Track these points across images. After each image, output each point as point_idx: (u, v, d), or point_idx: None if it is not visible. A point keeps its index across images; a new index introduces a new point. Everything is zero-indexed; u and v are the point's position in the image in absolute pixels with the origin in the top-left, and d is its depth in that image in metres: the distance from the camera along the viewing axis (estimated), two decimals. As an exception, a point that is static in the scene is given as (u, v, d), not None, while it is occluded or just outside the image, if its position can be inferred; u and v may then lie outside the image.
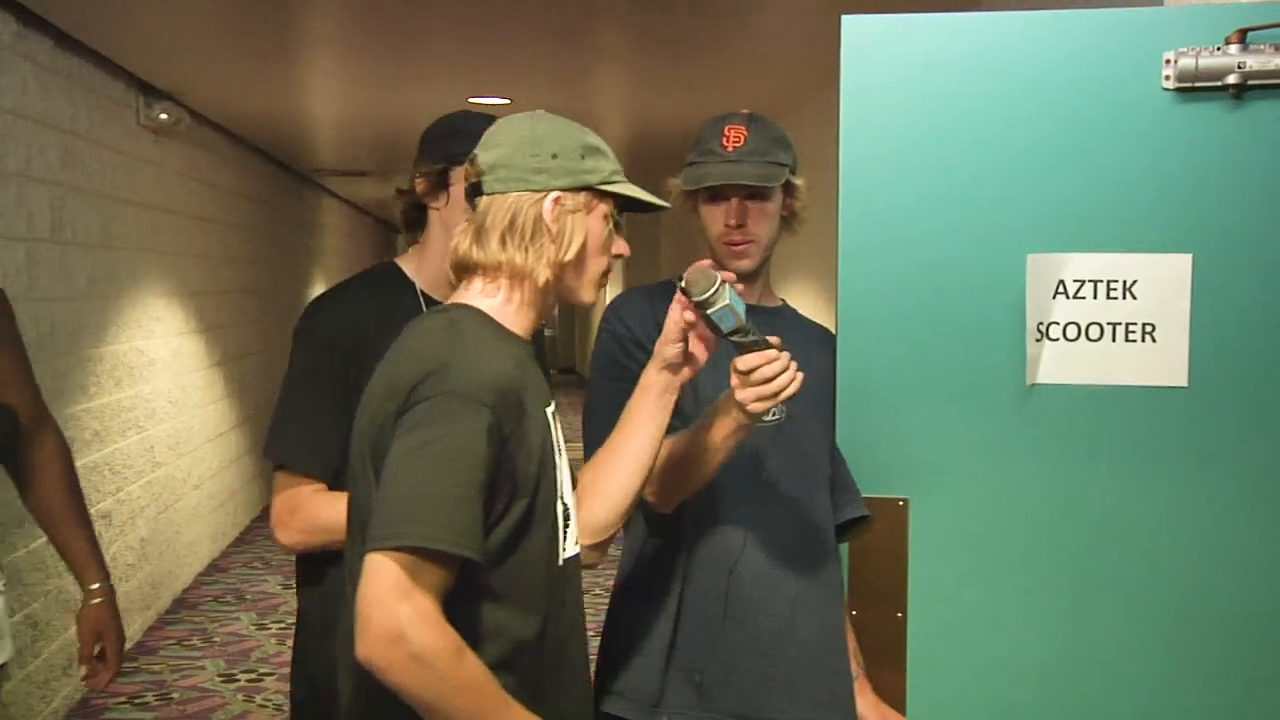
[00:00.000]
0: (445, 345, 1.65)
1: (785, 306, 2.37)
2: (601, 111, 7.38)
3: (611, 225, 1.79)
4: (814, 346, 2.33)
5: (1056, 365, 2.27)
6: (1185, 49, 2.20)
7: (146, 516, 6.33)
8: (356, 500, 1.71)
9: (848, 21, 2.27)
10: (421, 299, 2.30)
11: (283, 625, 6.39)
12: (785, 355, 1.88)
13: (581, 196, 1.74)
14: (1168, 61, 2.21)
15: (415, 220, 2.34)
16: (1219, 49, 2.20)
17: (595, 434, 2.11)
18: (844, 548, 2.31)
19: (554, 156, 1.74)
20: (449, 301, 1.78)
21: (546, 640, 1.70)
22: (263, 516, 9.02)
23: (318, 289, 12.17)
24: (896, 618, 2.32)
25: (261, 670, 5.63)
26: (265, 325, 9.44)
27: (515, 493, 1.65)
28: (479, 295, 1.75)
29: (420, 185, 2.28)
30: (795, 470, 2.19)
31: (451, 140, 2.28)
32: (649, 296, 2.29)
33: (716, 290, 1.83)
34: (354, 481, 1.71)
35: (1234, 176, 2.22)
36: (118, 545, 5.89)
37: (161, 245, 6.69)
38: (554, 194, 1.73)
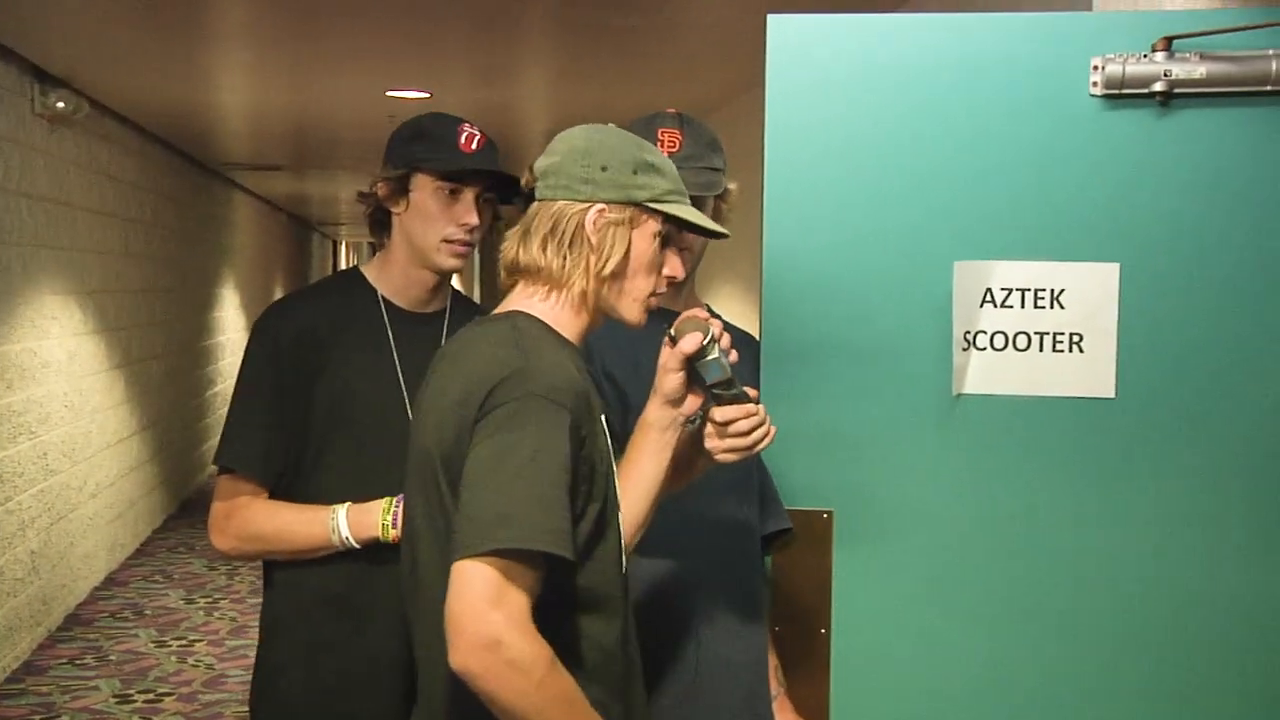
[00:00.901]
0: (516, 350, 1.70)
1: (708, 310, 2.38)
2: (523, 106, 7.38)
3: (658, 244, 1.81)
4: (741, 351, 2.33)
5: (984, 375, 2.30)
6: (1113, 55, 2.24)
7: (38, 527, 6.21)
8: (414, 519, 1.74)
9: (773, 21, 2.28)
10: (383, 306, 2.32)
11: (184, 642, 6.31)
12: (762, 409, 1.91)
13: (627, 211, 1.78)
14: (1095, 68, 2.25)
15: (380, 225, 2.35)
16: (1146, 56, 2.24)
17: None
18: (766, 561, 2.32)
19: (603, 169, 1.78)
20: (503, 308, 1.82)
21: (625, 649, 1.76)
22: (165, 527, 8.90)
23: (228, 289, 12.03)
24: (820, 634, 2.33)
25: (160, 690, 5.54)
26: (170, 326, 9.31)
27: (591, 495, 1.70)
28: (532, 300, 1.80)
29: (382, 189, 2.30)
30: (723, 482, 2.19)
31: (416, 144, 2.29)
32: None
33: (707, 342, 1.86)
34: (411, 499, 1.76)
35: (1161, 185, 2.26)
36: (6, 558, 5.78)
37: (58, 240, 6.58)
38: (598, 206, 1.78)
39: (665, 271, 1.84)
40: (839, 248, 2.31)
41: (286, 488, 2.26)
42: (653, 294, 1.84)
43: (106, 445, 7.49)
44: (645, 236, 1.80)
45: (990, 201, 2.29)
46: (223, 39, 5.60)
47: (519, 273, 1.82)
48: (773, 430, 1.91)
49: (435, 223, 2.26)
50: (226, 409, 2.31)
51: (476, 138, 2.29)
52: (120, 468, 7.81)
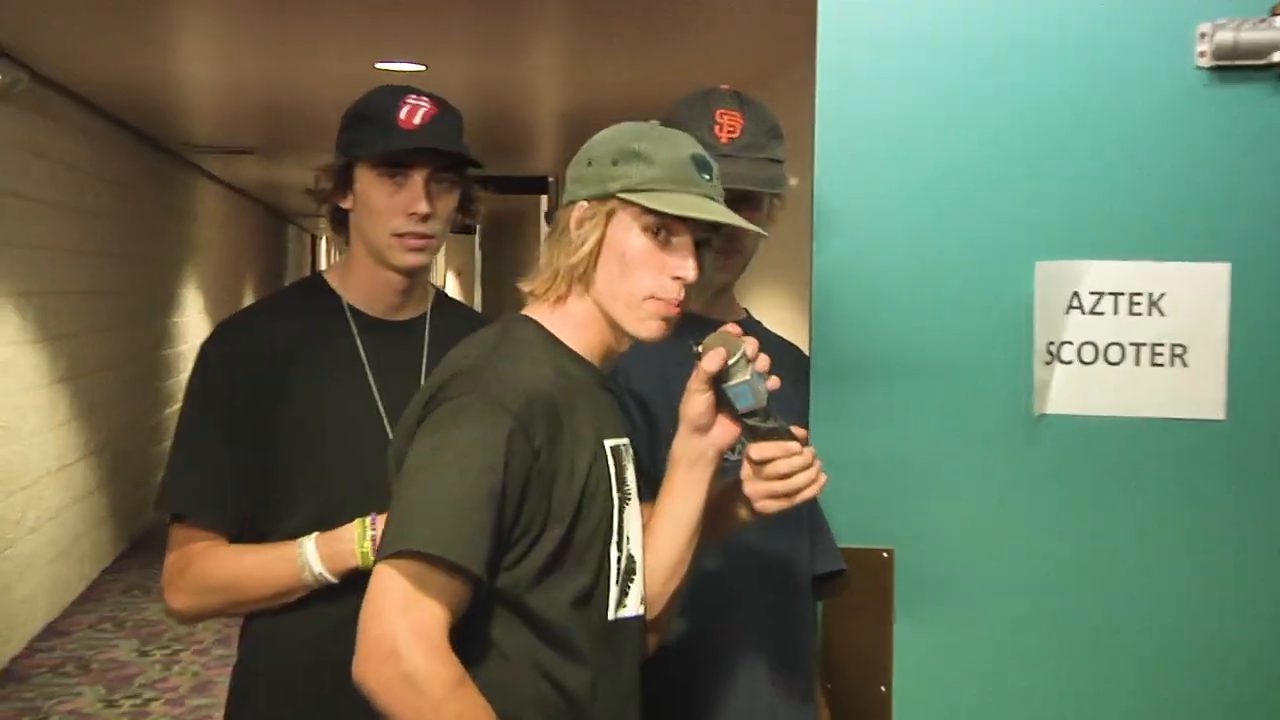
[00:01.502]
0: (483, 350, 1.84)
1: (749, 319, 2.39)
2: (531, 81, 7.40)
3: (649, 239, 1.86)
4: (782, 369, 2.34)
5: (1069, 393, 2.30)
6: (1223, 20, 2.24)
7: (-29, 566, 6.25)
8: None
9: (825, -17, 2.30)
10: (350, 315, 2.33)
11: (137, 701, 6.34)
12: (810, 451, 1.92)
13: (605, 205, 1.88)
14: (1202, 35, 2.25)
15: (339, 223, 2.37)
16: (1263, 21, 2.24)
17: None
18: (819, 607, 2.33)
19: (589, 164, 1.90)
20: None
21: (600, 702, 1.81)
22: (116, 566, 8.94)
23: (190, 290, 12.09)
24: (879, 692, 2.33)
25: (110, 755, 5.58)
26: (124, 333, 9.36)
27: (549, 517, 1.77)
28: (537, 307, 1.94)
29: (325, 183, 2.31)
30: (768, 521, 2.21)
31: (352, 128, 2.30)
32: None
33: (737, 361, 1.88)
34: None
35: None
36: (-65, 601, 5.82)
37: (-5, 235, 6.64)
38: (580, 202, 1.90)
39: (673, 273, 1.86)
40: (901, 247, 2.31)
41: (258, 535, 2.26)
42: (655, 298, 1.86)
43: (48, 471, 7.53)
44: (625, 229, 1.86)
45: (1079, 191, 2.29)
46: (186, 1, 5.64)
47: (532, 280, 1.96)
48: (822, 478, 1.93)
49: (380, 216, 2.26)
50: (171, 446, 2.30)
51: (422, 110, 2.28)
52: (64, 498, 7.85)
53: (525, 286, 1.94)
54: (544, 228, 14.17)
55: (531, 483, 1.75)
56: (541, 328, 1.91)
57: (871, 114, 2.30)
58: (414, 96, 2.29)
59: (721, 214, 1.86)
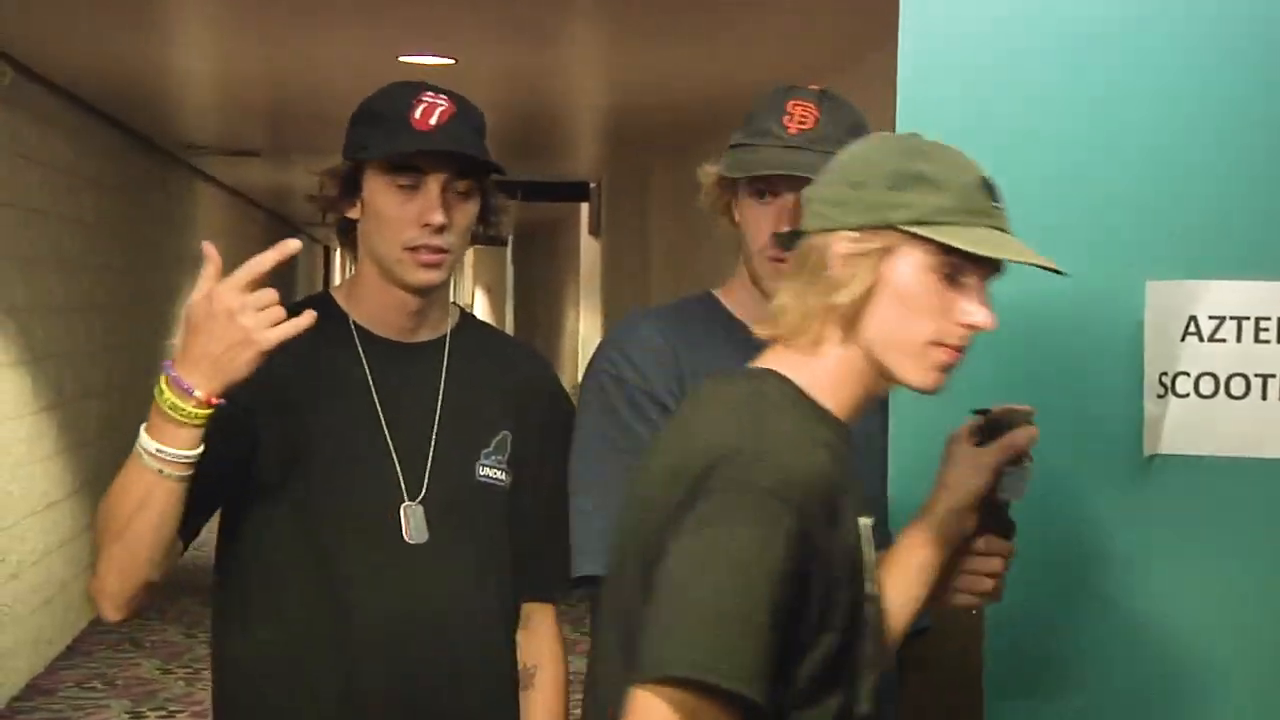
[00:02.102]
0: (748, 420, 1.75)
1: None
2: (571, 75, 7.42)
3: (937, 279, 1.80)
4: (879, 414, 2.34)
5: (1185, 430, 2.28)
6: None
7: (-55, 616, 6.28)
8: (625, 610, 1.78)
9: (908, -39, 2.30)
10: (358, 336, 2.34)
11: (129, 767, 6.35)
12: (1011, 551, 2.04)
13: (880, 238, 1.78)
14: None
15: (347, 235, 2.38)
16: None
17: (592, 528, 2.20)
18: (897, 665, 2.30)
19: (854, 186, 1.81)
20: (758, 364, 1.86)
21: None
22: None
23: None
24: (966, 771, 2.32)
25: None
26: (116, 356, 9.42)
27: (826, 622, 1.72)
28: (786, 356, 1.83)
29: (330, 190, 2.32)
30: None
31: (361, 127, 2.31)
32: (661, 329, 2.30)
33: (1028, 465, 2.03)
34: (621, 587, 1.80)
35: None
36: (-95, 655, 5.85)
37: (-26, 246, 6.69)
38: (846, 233, 1.79)
39: (963, 319, 1.82)
40: (993, 261, 2.30)
41: (233, 567, 2.29)
42: (942, 344, 1.83)
43: (31, 511, 7.58)
44: (910, 269, 1.79)
45: (1197, 201, 2.28)
46: (187, -13, 5.69)
47: (775, 324, 1.85)
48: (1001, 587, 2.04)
49: (390, 226, 2.26)
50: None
51: (440, 108, 2.27)
52: (49, 540, 7.89)
53: (766, 332, 1.85)
54: (585, 239, 14.21)
55: (813, 588, 1.70)
56: (795, 387, 1.81)
57: (958, 113, 2.30)
58: (430, 93, 2.29)
59: (1030, 254, 1.82)
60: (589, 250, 14.15)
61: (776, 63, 6.46)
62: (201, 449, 2.11)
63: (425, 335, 2.38)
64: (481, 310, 26.06)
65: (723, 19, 5.79)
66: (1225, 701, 2.30)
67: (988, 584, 2.01)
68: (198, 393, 2.07)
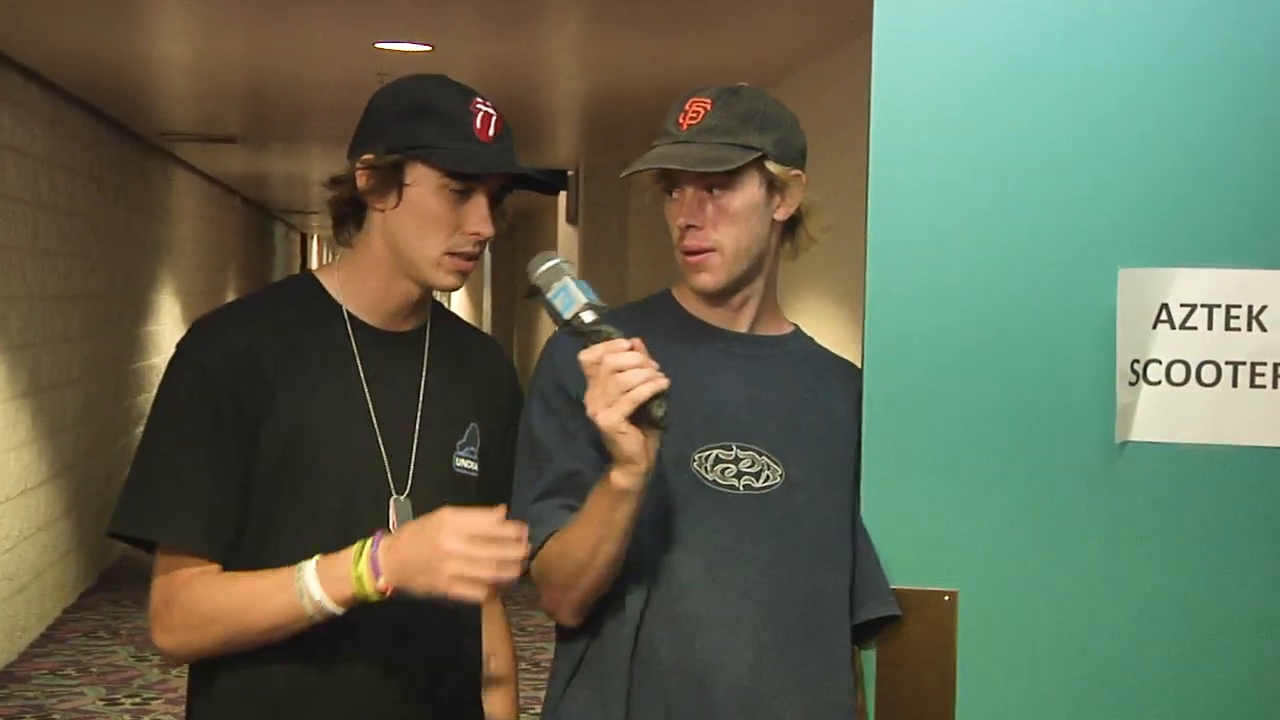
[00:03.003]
0: None
1: (797, 334, 2.41)
2: (548, 63, 7.41)
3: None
4: (830, 387, 2.37)
5: (1157, 417, 2.29)
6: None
7: (-81, 603, 6.27)
8: None
9: (883, -53, 2.30)
10: (349, 324, 2.32)
11: (104, 755, 6.35)
12: (638, 349, 2.06)
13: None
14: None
15: (347, 218, 2.34)
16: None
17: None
18: (868, 657, 2.33)
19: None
20: None
21: None
22: (81, 604, 8.96)
23: (165, 295, 12.14)
24: (939, 753, 2.33)
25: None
26: (91, 344, 9.40)
27: None
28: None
29: (363, 178, 2.27)
30: (795, 554, 2.24)
31: (419, 122, 2.26)
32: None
33: (553, 266, 2.11)
34: None
35: None
36: (-121, 642, 5.84)
37: (-51, 232, 6.67)
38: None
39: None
40: (966, 253, 2.31)
41: (231, 561, 2.26)
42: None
43: (6, 498, 7.56)
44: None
45: (1168, 189, 2.28)
46: (164, -27, 5.67)
47: None
48: (659, 379, 2.05)
49: (438, 230, 2.25)
50: (136, 459, 2.29)
51: (493, 119, 2.28)
52: (23, 527, 7.88)
53: None
54: (562, 227, 14.19)
55: None
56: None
57: (932, 101, 2.31)
58: (480, 101, 2.28)
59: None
60: (567, 239, 14.13)
61: (755, 51, 6.48)
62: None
63: (412, 324, 2.37)
64: (459, 301, 26.00)
65: (700, 7, 5.79)
66: (1196, 684, 2.30)
67: (615, 384, 2.04)
68: (381, 581, 2.13)
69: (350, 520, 2.24)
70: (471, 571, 2.07)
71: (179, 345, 2.30)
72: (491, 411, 2.43)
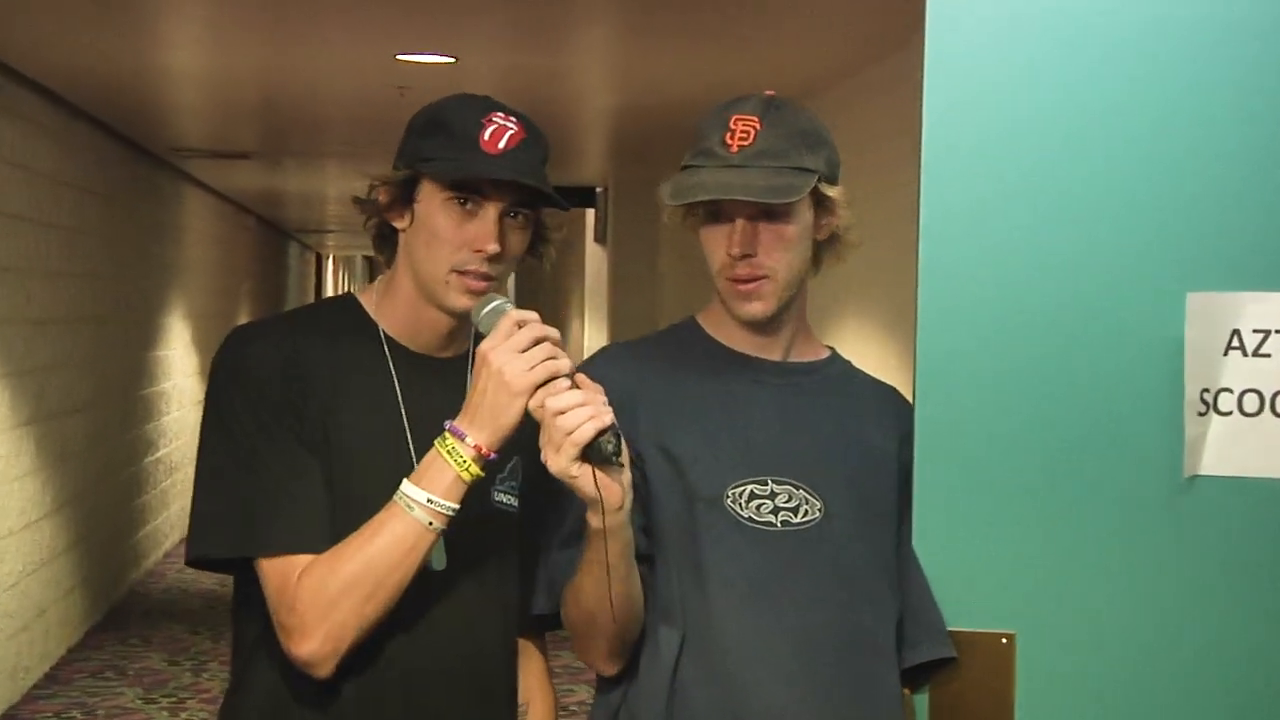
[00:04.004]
0: None
1: (833, 358, 2.41)
2: (577, 75, 7.42)
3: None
4: (869, 414, 2.36)
5: (1228, 449, 2.27)
6: None
7: (-81, 641, 6.28)
8: None
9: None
10: (387, 347, 2.34)
11: (111, 801, 6.34)
12: (581, 387, 2.07)
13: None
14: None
15: (385, 241, 2.38)
16: None
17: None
18: (920, 702, 2.32)
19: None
20: None
21: None
22: (86, 643, 8.97)
23: (176, 318, 12.18)
24: (995, 808, 2.32)
25: None
26: (98, 369, 9.43)
27: None
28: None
29: (382, 196, 2.32)
30: (838, 594, 2.24)
31: (427, 137, 2.30)
32: (628, 365, 2.34)
33: (494, 308, 2.19)
34: None
35: None
36: (-124, 682, 5.85)
37: (-49, 253, 6.69)
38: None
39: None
40: (1023, 276, 2.31)
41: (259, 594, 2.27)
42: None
43: (9, 531, 7.58)
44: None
45: (1241, 208, 2.27)
46: (176, -17, 5.70)
47: None
48: (602, 416, 2.05)
49: (442, 246, 2.27)
50: (203, 480, 2.30)
51: (509, 132, 2.28)
52: (26, 562, 7.89)
53: None
54: (590, 246, 14.20)
55: None
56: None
57: (987, 116, 2.30)
58: (501, 115, 2.28)
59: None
60: (595, 258, 14.15)
61: (790, 63, 6.48)
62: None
63: (452, 351, 2.38)
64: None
65: (733, 18, 5.79)
66: (1255, 701, 2.29)
67: (559, 426, 2.05)
68: (471, 440, 2.16)
69: None
70: (536, 372, 2.11)
71: (222, 355, 2.31)
72: (535, 445, 2.37)
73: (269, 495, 2.23)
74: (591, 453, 2.04)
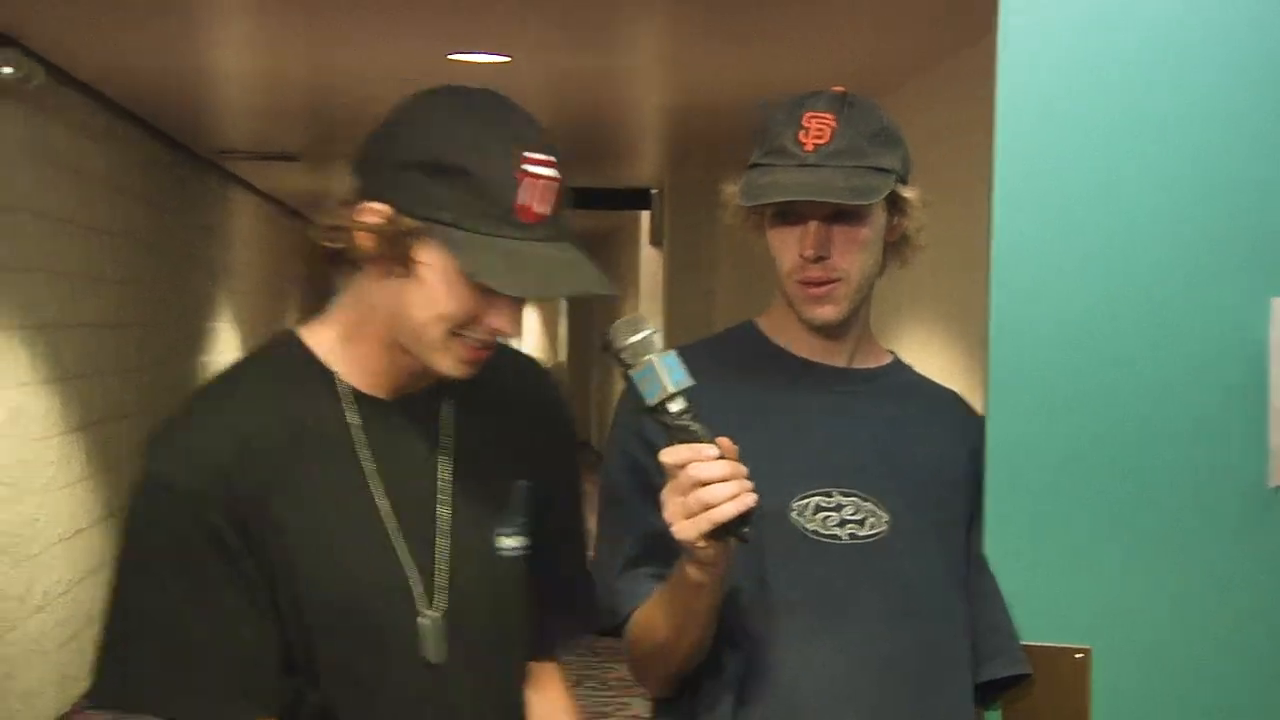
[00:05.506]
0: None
1: (896, 364, 2.39)
2: (632, 73, 7.42)
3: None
4: (935, 421, 2.35)
5: (1314, 461, 2.26)
6: None
7: (-33, 650, 6.32)
8: None
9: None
10: (345, 399, 2.00)
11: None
12: (728, 459, 1.93)
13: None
14: None
15: (332, 264, 2.01)
16: None
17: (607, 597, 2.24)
18: (992, 719, 2.31)
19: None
20: None
21: None
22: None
23: (224, 322, 12.24)
24: (1072, 829, 2.31)
25: None
26: (147, 375, 9.48)
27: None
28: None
29: (366, 240, 1.91)
30: (906, 607, 2.23)
31: (441, 183, 1.87)
32: (692, 366, 2.17)
33: (643, 340, 1.95)
34: None
35: None
36: (-77, 692, 5.89)
37: (-1, 258, 6.74)
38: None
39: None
40: (1100, 280, 2.29)
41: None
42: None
43: (59, 539, 7.62)
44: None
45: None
46: (226, -17, 5.73)
47: None
48: (749, 497, 1.93)
49: (448, 316, 1.91)
50: (117, 620, 1.99)
51: (546, 185, 1.91)
52: (76, 569, 7.94)
53: None
54: (645, 249, 14.20)
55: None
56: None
57: (1064, 114, 2.29)
58: (534, 154, 1.90)
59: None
60: (650, 262, 14.14)
61: (852, 61, 6.46)
62: None
63: (424, 383, 2.03)
64: (532, 329, 26.06)
65: (790, 16, 5.79)
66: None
67: (696, 499, 1.92)
68: None
69: (380, 654, 1.98)
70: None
71: (146, 464, 1.97)
72: (546, 458, 2.16)
73: (189, 659, 1.92)
74: (723, 529, 1.94)
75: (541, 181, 1.90)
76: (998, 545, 2.28)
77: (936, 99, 6.38)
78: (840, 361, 2.31)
